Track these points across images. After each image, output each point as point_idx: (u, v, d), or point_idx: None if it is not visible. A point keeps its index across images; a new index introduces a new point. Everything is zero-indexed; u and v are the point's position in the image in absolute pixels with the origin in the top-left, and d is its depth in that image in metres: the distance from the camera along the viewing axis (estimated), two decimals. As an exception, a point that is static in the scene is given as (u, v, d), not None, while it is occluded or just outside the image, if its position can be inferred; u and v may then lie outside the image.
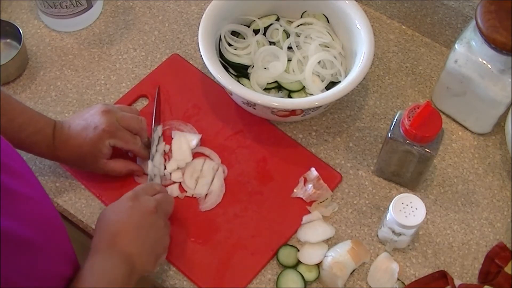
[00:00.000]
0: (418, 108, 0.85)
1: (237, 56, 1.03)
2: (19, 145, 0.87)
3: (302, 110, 0.94)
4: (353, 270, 0.89)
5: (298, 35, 1.05)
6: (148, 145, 0.96)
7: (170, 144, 0.99)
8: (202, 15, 0.99)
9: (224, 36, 1.03)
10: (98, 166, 0.92)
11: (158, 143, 0.98)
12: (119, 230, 0.78)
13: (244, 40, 1.05)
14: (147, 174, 0.95)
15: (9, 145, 0.65)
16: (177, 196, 0.95)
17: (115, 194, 0.93)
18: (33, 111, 0.90)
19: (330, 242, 0.92)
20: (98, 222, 0.81)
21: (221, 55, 1.02)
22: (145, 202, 0.82)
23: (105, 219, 0.81)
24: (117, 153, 0.93)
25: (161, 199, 0.85)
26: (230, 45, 1.03)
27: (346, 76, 0.98)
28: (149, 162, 0.95)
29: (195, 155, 0.98)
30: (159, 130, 0.99)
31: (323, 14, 1.06)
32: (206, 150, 0.99)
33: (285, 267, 0.89)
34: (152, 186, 0.87)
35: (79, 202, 0.95)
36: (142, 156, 0.95)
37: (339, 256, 0.88)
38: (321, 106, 0.94)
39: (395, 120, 0.89)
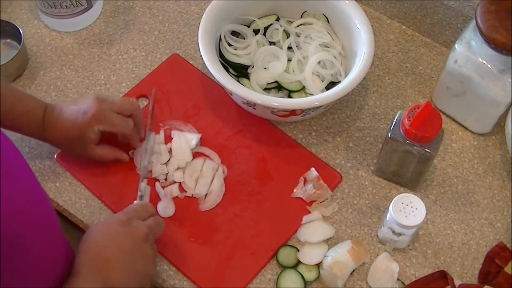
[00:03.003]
0: (418, 108, 0.85)
1: (237, 56, 1.03)
2: (9, 125, 0.88)
3: (302, 110, 0.94)
4: (353, 270, 0.89)
5: (298, 35, 1.05)
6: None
7: (170, 144, 0.99)
8: (202, 15, 0.99)
9: (224, 36, 1.03)
10: (85, 151, 0.92)
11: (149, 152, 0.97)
12: (106, 256, 0.75)
13: (244, 40, 1.05)
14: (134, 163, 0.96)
15: (6, 139, 0.65)
16: (177, 196, 0.95)
17: (116, 194, 0.93)
18: (23, 93, 0.91)
19: (330, 242, 0.92)
20: (85, 242, 0.76)
21: (221, 55, 1.02)
22: (136, 228, 0.79)
23: (92, 241, 0.77)
24: (106, 141, 0.94)
25: (152, 225, 0.82)
26: (230, 45, 1.03)
27: (346, 76, 0.98)
28: (140, 182, 0.93)
29: (195, 155, 0.98)
30: (151, 138, 0.98)
31: (323, 14, 1.06)
32: (206, 150, 0.99)
33: (284, 267, 0.89)
34: (146, 208, 0.85)
35: (79, 202, 0.95)
36: (132, 141, 0.95)
37: (339, 256, 0.88)
38: (321, 106, 0.94)
39: (395, 120, 0.89)
